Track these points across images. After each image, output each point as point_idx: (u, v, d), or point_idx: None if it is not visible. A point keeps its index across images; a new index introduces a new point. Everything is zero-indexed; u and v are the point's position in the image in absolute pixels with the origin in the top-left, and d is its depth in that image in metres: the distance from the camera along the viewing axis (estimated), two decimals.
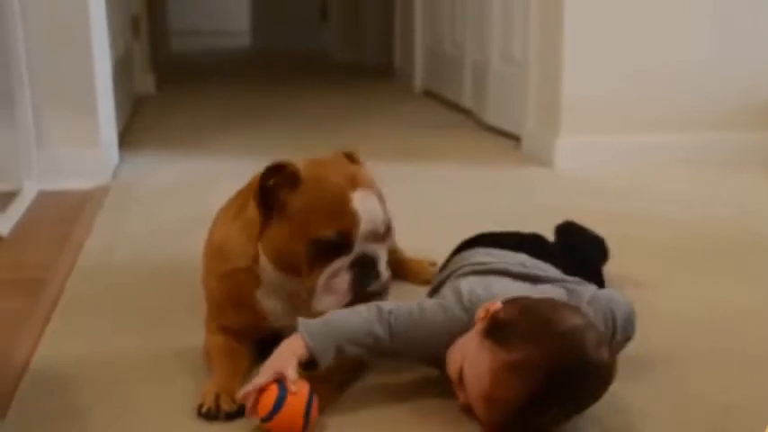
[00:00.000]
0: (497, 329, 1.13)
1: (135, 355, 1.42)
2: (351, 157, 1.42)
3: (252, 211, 1.34)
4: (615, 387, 1.15)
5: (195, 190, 2.54)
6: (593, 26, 2.82)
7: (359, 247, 1.28)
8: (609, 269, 1.70)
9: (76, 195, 2.44)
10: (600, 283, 1.46)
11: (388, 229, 1.34)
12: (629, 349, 1.32)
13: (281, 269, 1.32)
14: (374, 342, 1.20)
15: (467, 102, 3.86)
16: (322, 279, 1.28)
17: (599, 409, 1.16)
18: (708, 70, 2.91)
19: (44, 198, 2.43)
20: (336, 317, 1.23)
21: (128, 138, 3.25)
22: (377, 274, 1.30)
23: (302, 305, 1.33)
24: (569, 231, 1.74)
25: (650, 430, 1.19)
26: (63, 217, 2.24)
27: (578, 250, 1.61)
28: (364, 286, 1.29)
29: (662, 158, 2.85)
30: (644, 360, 1.38)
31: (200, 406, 1.21)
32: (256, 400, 1.15)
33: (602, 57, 2.83)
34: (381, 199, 1.35)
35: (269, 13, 7.42)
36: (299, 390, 1.14)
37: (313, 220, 1.27)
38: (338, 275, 1.28)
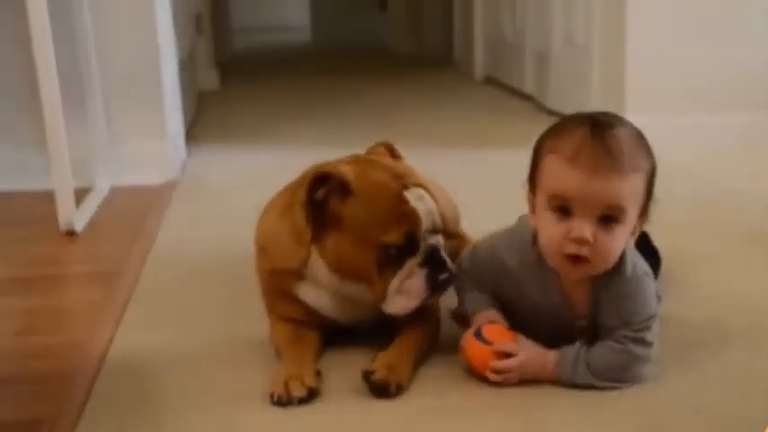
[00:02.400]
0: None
1: (209, 344, 1.44)
2: (390, 149, 1.42)
3: (302, 219, 1.31)
4: (683, 357, 1.22)
5: (261, 181, 2.53)
6: (657, 5, 2.76)
7: (424, 244, 1.29)
8: (685, 248, 1.69)
9: (147, 190, 2.50)
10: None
11: (443, 220, 1.33)
12: (704, 325, 1.39)
13: (345, 276, 1.31)
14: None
15: (528, 87, 3.82)
16: (395, 283, 1.28)
17: (662, 374, 1.24)
18: None
19: (116, 193, 2.49)
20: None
21: (194, 132, 3.31)
22: (446, 264, 1.30)
23: (347, 299, 1.35)
24: None
25: (718, 400, 1.19)
26: (135, 211, 2.29)
27: None
28: (437, 279, 1.29)
29: (730, 138, 2.78)
30: (711, 333, 1.40)
31: (272, 394, 1.22)
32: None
33: (667, 36, 2.77)
34: (431, 189, 1.34)
35: (328, 8, 7.45)
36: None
37: (376, 226, 1.27)
38: (412, 276, 1.28)
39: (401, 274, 1.28)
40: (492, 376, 1.23)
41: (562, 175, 1.18)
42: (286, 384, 1.22)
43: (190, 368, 1.35)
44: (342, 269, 1.31)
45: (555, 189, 1.19)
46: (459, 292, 1.37)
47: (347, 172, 1.30)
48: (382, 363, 1.25)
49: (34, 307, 1.68)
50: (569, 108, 3.25)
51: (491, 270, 1.32)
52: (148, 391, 1.29)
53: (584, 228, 1.17)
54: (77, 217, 2.14)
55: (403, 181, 1.31)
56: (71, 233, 2.10)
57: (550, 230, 1.20)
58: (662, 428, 1.13)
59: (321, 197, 1.29)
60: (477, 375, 1.26)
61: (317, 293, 1.37)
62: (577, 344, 1.24)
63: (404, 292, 1.29)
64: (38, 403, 1.27)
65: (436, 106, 3.86)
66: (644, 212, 1.23)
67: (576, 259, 1.18)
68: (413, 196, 1.29)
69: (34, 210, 2.29)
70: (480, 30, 4.63)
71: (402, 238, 1.27)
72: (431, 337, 1.35)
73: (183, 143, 2.92)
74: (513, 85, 4.06)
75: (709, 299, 1.56)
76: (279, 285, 1.40)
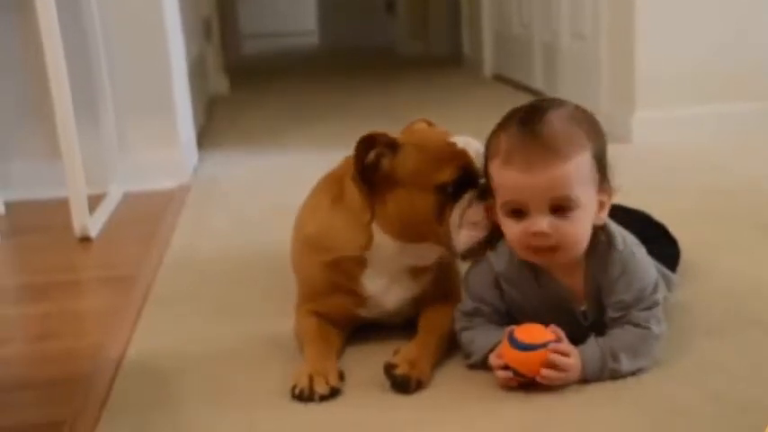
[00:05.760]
0: None
1: (226, 345, 1.44)
2: (428, 123, 1.48)
3: (353, 198, 1.33)
4: (705, 345, 1.27)
5: (273, 184, 2.58)
6: None
7: (481, 181, 1.28)
8: (702, 237, 1.70)
9: (160, 195, 2.51)
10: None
11: None
12: (722, 313, 1.40)
13: (410, 236, 1.31)
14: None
15: (538, 83, 3.82)
16: (456, 215, 1.27)
17: (684, 362, 1.24)
18: None
19: (129, 199, 2.51)
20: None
21: (205, 137, 3.32)
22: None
23: (407, 281, 1.37)
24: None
25: (736, 385, 1.19)
26: (148, 216, 2.30)
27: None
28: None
29: (741, 128, 2.77)
30: (733, 321, 1.40)
31: (294, 387, 1.22)
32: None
33: (676, 27, 2.76)
34: None
35: (336, 11, 7.47)
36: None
37: (429, 170, 1.28)
38: (472, 206, 1.27)
39: (460, 205, 1.27)
40: (548, 374, 1.18)
41: (504, 179, 1.19)
42: (311, 379, 1.22)
43: (206, 369, 1.36)
44: (405, 229, 1.31)
45: (502, 195, 1.21)
46: (463, 338, 1.31)
47: (391, 133, 1.33)
48: (404, 358, 1.25)
49: (52, 312, 1.69)
50: (579, 103, 3.24)
51: (487, 283, 1.29)
52: (166, 392, 1.29)
53: (539, 223, 1.18)
54: (92, 223, 2.15)
55: (448, 133, 1.35)
56: (86, 239, 2.12)
57: (511, 231, 1.21)
58: (682, 415, 1.12)
59: (372, 159, 1.30)
60: (511, 388, 1.21)
61: (380, 279, 1.37)
62: (593, 341, 1.22)
63: (465, 224, 1.28)
64: (57, 406, 1.28)
65: (447, 105, 3.86)
66: (604, 187, 1.22)
67: (545, 250, 1.20)
68: (460, 139, 1.32)
69: (49, 218, 2.31)
70: (488, 27, 4.63)
71: (457, 173, 1.27)
72: (451, 334, 1.34)
73: (195, 148, 2.94)
74: (522, 82, 4.05)
75: (727, 287, 1.55)
76: (337, 278, 1.38)
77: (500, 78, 4.45)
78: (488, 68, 4.64)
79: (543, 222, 1.18)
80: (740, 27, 2.79)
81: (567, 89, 3.40)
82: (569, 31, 3.38)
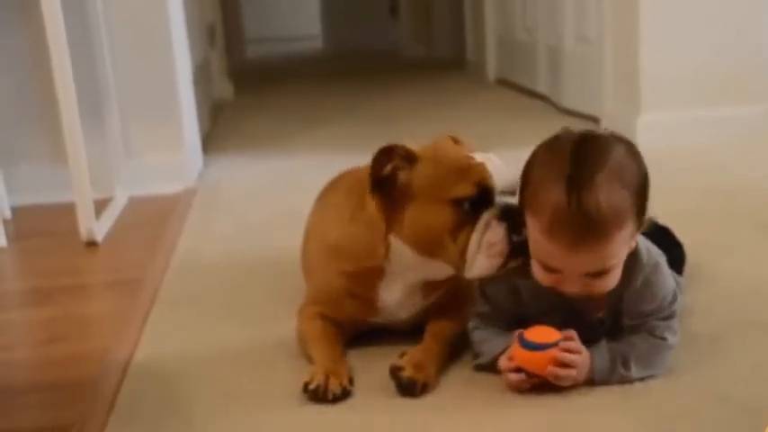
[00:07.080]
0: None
1: (233, 347, 1.45)
2: (454, 140, 1.43)
3: (372, 208, 1.31)
4: (707, 347, 1.28)
5: (278, 188, 2.59)
6: None
7: (500, 199, 1.25)
8: (706, 239, 1.70)
9: (165, 199, 2.52)
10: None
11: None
12: (725, 313, 1.41)
13: (425, 251, 1.28)
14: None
15: (542, 87, 3.82)
16: (475, 239, 1.24)
17: (688, 364, 1.24)
18: None
19: (135, 204, 2.52)
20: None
21: (210, 142, 3.33)
22: (524, 223, 1.21)
23: (421, 293, 1.36)
24: None
25: (738, 386, 1.19)
26: (154, 220, 2.31)
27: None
28: (517, 236, 1.22)
29: (741, 130, 2.77)
30: (735, 322, 1.40)
31: (307, 383, 1.22)
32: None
33: (681, 28, 2.77)
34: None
35: (339, 15, 7.49)
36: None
37: (446, 183, 1.25)
38: (490, 228, 1.24)
39: (479, 227, 1.23)
40: (556, 371, 1.18)
41: (542, 244, 1.16)
42: (326, 377, 1.22)
43: (212, 372, 1.36)
44: (421, 242, 1.28)
45: (538, 254, 1.18)
46: (475, 337, 1.31)
47: (409, 144, 1.31)
48: (410, 361, 1.25)
49: (59, 316, 1.69)
50: (583, 106, 3.26)
51: (504, 287, 1.29)
52: (173, 394, 1.30)
53: (571, 286, 1.18)
54: (98, 227, 2.16)
55: (470, 151, 1.31)
56: (92, 243, 2.12)
57: (541, 276, 1.20)
58: (688, 416, 1.13)
59: (389, 172, 1.28)
60: (522, 391, 1.21)
61: (396, 290, 1.35)
62: (603, 345, 1.22)
63: (485, 248, 1.23)
64: (65, 409, 1.28)
65: (450, 109, 3.86)
66: (640, 221, 1.18)
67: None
68: (480, 156, 1.28)
69: (55, 222, 2.32)
70: (492, 31, 4.64)
71: (474, 188, 1.24)
72: (457, 340, 1.34)
73: (200, 152, 2.95)
74: (526, 86, 4.06)
75: (728, 287, 1.56)
76: (354, 287, 1.37)
77: (504, 82, 4.45)
78: (492, 72, 4.65)
79: (576, 287, 1.18)
80: (740, 28, 2.79)
81: (572, 93, 3.40)
82: (573, 35, 3.38)
